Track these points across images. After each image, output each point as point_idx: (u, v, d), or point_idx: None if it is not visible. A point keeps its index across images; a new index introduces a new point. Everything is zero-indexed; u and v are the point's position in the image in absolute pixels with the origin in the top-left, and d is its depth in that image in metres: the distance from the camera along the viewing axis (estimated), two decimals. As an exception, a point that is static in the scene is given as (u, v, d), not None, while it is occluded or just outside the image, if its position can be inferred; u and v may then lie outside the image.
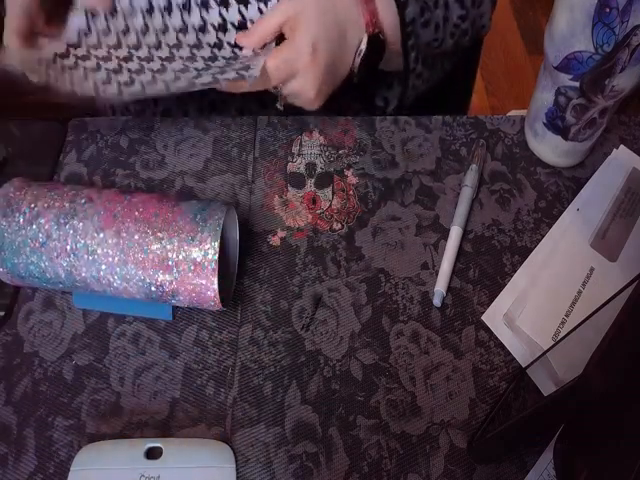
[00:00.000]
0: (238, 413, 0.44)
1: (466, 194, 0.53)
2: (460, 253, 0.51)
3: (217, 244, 0.41)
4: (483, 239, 0.52)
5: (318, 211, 0.53)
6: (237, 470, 0.42)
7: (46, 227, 0.42)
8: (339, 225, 0.52)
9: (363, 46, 0.53)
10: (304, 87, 0.51)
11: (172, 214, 0.43)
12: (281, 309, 0.48)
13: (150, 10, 0.52)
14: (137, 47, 0.50)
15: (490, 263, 0.51)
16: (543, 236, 0.52)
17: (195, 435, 0.43)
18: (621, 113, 0.58)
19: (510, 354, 0.47)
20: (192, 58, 0.50)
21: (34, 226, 0.42)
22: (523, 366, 0.45)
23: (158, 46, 0.51)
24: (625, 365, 0.30)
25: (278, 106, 0.54)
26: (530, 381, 0.44)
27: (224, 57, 0.51)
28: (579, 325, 0.38)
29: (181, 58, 0.50)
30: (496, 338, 0.47)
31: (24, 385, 0.45)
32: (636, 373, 0.29)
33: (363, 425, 0.44)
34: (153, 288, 0.42)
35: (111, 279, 0.42)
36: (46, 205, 0.43)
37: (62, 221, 0.42)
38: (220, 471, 0.41)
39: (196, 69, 0.49)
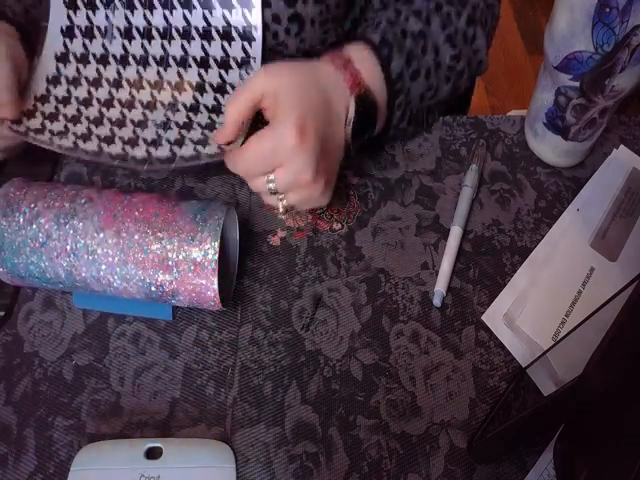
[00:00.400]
0: (238, 413, 0.44)
1: (466, 194, 0.53)
2: (460, 253, 0.51)
3: (217, 244, 0.41)
4: (483, 239, 0.52)
5: (318, 211, 0.53)
6: (237, 470, 0.42)
7: (46, 227, 0.42)
8: (339, 225, 0.52)
9: (352, 111, 0.45)
10: (296, 172, 0.41)
11: (172, 214, 0.43)
12: (281, 309, 0.48)
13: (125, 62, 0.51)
14: (109, 104, 0.49)
15: (490, 263, 0.51)
16: (543, 236, 0.52)
17: (195, 435, 0.43)
18: (621, 113, 0.58)
19: (510, 354, 0.47)
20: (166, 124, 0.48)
21: (34, 226, 0.42)
22: (523, 366, 0.45)
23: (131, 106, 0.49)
24: (625, 365, 0.30)
25: (280, 216, 0.47)
26: (530, 381, 0.44)
27: (199, 124, 0.48)
28: (579, 325, 0.38)
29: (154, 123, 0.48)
30: (496, 338, 0.47)
31: (24, 385, 0.45)
32: (636, 373, 0.29)
33: (363, 425, 0.44)
34: (153, 288, 0.42)
35: (111, 279, 0.42)
36: (46, 205, 0.43)
37: (62, 221, 0.42)
38: (220, 471, 0.41)
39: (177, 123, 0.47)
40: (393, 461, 0.42)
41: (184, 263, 0.41)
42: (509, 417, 0.40)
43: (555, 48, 0.47)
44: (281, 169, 0.41)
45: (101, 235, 0.42)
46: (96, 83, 0.50)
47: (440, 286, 0.48)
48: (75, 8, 0.51)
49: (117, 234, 0.42)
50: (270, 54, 0.54)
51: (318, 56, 0.61)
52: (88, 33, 0.51)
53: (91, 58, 0.51)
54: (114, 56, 0.51)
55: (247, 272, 0.50)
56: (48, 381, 0.45)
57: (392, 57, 0.48)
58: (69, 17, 0.51)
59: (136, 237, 0.42)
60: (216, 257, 0.41)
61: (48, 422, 0.44)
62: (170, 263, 0.41)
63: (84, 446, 0.42)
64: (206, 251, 0.41)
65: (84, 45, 0.51)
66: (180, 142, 0.45)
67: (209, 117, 0.48)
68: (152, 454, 0.42)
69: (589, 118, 0.50)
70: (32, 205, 0.43)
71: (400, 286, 0.49)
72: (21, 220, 0.42)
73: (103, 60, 0.51)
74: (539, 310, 0.47)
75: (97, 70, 0.51)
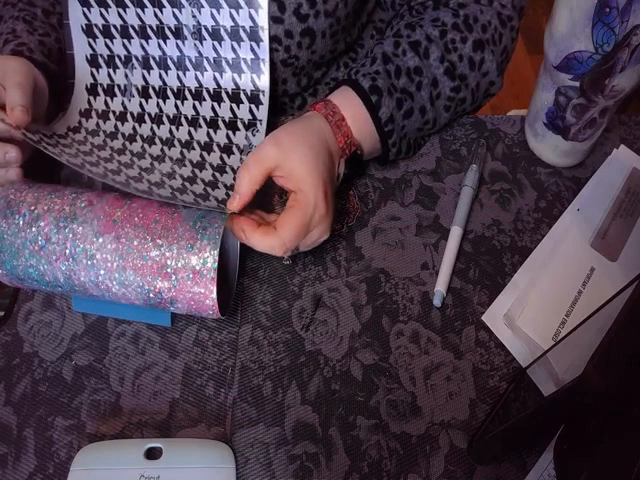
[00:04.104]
0: (238, 413, 0.44)
1: (466, 194, 0.53)
2: (460, 253, 0.51)
3: (216, 253, 0.41)
4: (483, 239, 0.52)
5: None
6: (237, 470, 0.42)
7: (45, 230, 0.42)
8: (339, 225, 0.52)
9: (342, 169, 0.48)
10: (320, 235, 0.45)
11: (172, 221, 0.42)
12: (281, 309, 0.48)
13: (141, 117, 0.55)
14: (121, 152, 0.51)
15: (490, 263, 0.51)
16: (543, 236, 0.52)
17: (195, 435, 0.43)
18: (621, 113, 0.58)
19: (510, 354, 0.46)
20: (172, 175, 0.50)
21: (33, 229, 0.42)
22: (523, 366, 0.45)
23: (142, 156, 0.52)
24: (625, 365, 0.30)
25: (285, 262, 0.50)
26: (530, 381, 0.44)
27: (203, 180, 0.50)
28: (579, 325, 0.38)
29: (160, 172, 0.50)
30: (496, 338, 0.47)
31: (24, 385, 0.45)
32: (636, 373, 0.29)
33: (363, 425, 0.44)
34: (151, 295, 0.42)
35: (109, 284, 0.42)
36: (46, 208, 0.43)
37: (61, 225, 0.42)
38: (220, 471, 0.41)
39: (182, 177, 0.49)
40: (393, 461, 0.42)
41: (183, 271, 0.41)
42: (509, 417, 0.40)
43: (555, 48, 0.47)
44: (310, 235, 0.44)
45: (100, 240, 0.42)
46: (112, 136, 0.53)
47: (440, 286, 0.48)
48: (97, 67, 0.55)
49: (116, 239, 0.41)
50: (282, 67, 0.56)
51: (327, 67, 0.61)
52: (109, 91, 0.55)
53: (111, 115, 0.55)
54: (132, 113, 0.55)
55: (247, 272, 0.50)
56: (48, 381, 0.45)
57: (381, 103, 0.49)
58: (92, 75, 0.55)
59: (135, 243, 0.41)
60: (215, 266, 0.41)
61: (48, 422, 0.44)
62: (169, 270, 0.41)
63: (84, 446, 0.42)
64: (205, 259, 0.41)
65: (105, 103, 0.55)
66: (182, 191, 0.47)
67: (212, 175, 0.51)
68: (152, 454, 0.42)
69: (589, 118, 0.50)
70: (32, 208, 0.43)
71: (400, 286, 0.49)
72: (21, 222, 0.42)
73: (122, 117, 0.55)
74: (539, 310, 0.47)
75: (115, 126, 0.54)
